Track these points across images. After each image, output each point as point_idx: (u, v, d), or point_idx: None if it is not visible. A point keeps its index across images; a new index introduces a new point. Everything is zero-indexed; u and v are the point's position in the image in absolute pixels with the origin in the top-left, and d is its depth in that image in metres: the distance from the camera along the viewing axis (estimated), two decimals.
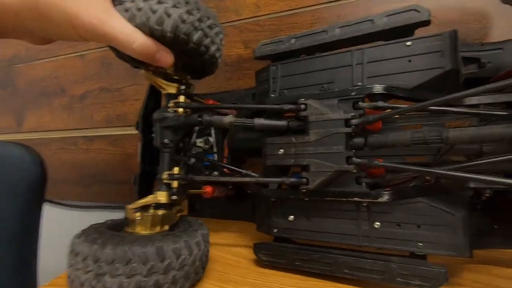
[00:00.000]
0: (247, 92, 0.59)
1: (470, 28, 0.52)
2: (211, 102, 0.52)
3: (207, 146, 0.54)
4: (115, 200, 0.84)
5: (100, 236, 0.34)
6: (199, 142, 0.55)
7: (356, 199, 0.37)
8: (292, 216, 0.42)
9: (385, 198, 0.36)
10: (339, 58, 0.41)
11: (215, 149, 0.54)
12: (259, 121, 0.42)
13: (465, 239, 0.33)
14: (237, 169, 0.47)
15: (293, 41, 0.45)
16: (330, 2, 0.60)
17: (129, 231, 0.39)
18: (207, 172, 0.54)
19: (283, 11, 0.63)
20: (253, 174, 0.45)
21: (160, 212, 0.41)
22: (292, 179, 0.39)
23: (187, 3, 0.40)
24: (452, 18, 0.52)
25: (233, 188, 0.54)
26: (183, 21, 0.40)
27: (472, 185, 0.35)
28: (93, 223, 0.41)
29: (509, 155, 0.31)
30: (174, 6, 0.39)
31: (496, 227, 0.39)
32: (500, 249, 0.39)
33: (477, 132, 0.29)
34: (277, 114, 0.44)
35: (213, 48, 0.45)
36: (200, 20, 0.42)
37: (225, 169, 0.54)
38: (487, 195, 0.36)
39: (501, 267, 0.39)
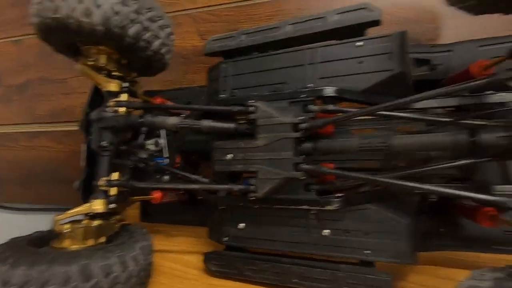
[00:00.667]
0: (203, 89, 0.56)
1: (425, 28, 0.51)
2: (159, 100, 0.48)
3: (157, 148, 0.50)
4: (66, 201, 0.78)
5: (13, 253, 0.30)
6: (149, 144, 0.51)
7: (305, 206, 0.36)
8: (242, 224, 0.40)
9: (333, 205, 0.34)
10: (292, 57, 0.39)
11: (165, 152, 0.50)
12: (207, 123, 0.39)
13: (409, 246, 0.33)
14: (186, 174, 0.44)
15: (243, 37, 0.42)
16: None
17: (55, 246, 0.35)
18: (158, 176, 0.50)
19: (240, 1, 0.59)
20: (202, 179, 0.42)
21: (95, 222, 0.37)
22: (240, 187, 0.37)
23: None
24: (408, 17, 0.52)
25: (185, 193, 0.51)
26: (116, 13, 0.35)
27: (418, 190, 0.35)
28: (17, 236, 0.37)
29: (452, 162, 0.30)
30: None
31: (442, 230, 0.39)
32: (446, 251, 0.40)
33: (421, 140, 0.29)
34: (228, 116, 0.41)
35: (156, 43, 0.41)
36: (137, 11, 0.37)
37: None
38: (433, 199, 0.36)
39: (446, 268, 0.40)
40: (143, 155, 0.52)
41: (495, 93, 0.32)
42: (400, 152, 0.30)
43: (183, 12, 0.64)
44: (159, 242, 0.52)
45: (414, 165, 0.36)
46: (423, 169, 0.31)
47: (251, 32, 0.41)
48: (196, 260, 0.45)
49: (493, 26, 0.49)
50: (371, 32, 0.36)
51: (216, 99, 0.42)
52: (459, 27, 0.50)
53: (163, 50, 0.43)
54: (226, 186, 0.38)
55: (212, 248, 0.43)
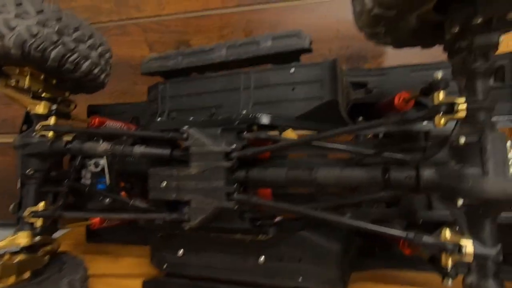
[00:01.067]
0: None
1: (370, 46, 0.52)
2: (96, 121, 0.46)
3: (97, 170, 0.48)
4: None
5: None
6: (90, 164, 0.48)
7: (239, 235, 0.35)
8: (181, 251, 0.40)
9: (267, 234, 0.34)
10: (227, 80, 0.38)
11: (107, 174, 0.48)
12: (139, 150, 0.38)
13: (339, 273, 0.34)
14: (124, 198, 0.42)
15: (180, 58, 0.40)
16: (239, 6, 0.56)
17: None
18: (101, 198, 0.48)
19: (188, 12, 0.58)
20: (141, 205, 0.41)
21: (18, 258, 0.35)
22: (174, 216, 0.36)
23: (39, 12, 0.33)
24: (353, 34, 0.52)
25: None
26: (33, 35, 0.33)
27: (349, 215, 0.36)
28: None
29: (376, 193, 0.31)
30: (19, 16, 0.32)
31: (377, 249, 0.40)
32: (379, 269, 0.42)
33: (341, 174, 0.29)
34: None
35: (86, 65, 0.39)
36: (60, 32, 0.35)
37: (123, 193, 0.49)
38: None
39: (380, 285, 0.42)
40: (87, 175, 0.50)
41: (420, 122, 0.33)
42: (324, 185, 0.30)
43: (131, 21, 0.62)
44: (103, 265, 0.51)
45: (346, 192, 0.36)
46: (346, 202, 0.32)
47: (188, 54, 0.40)
48: (138, 285, 0.44)
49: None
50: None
51: (155, 122, 0.41)
52: None
53: (96, 71, 0.41)
54: (159, 215, 0.37)
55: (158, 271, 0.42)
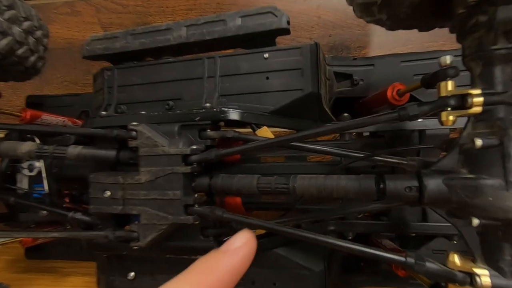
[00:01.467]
0: None
1: (353, 34, 0.47)
2: (28, 115, 0.37)
3: (32, 174, 0.40)
4: None
5: None
6: (23, 168, 0.40)
7: (200, 256, 0.29)
8: (132, 273, 0.33)
9: None
10: (189, 67, 0.31)
11: (44, 179, 0.39)
12: (75, 151, 0.30)
13: None
14: (59, 210, 0.35)
15: (130, 38, 0.33)
16: None
17: None
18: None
19: None
20: (81, 218, 0.33)
21: None
22: (120, 234, 0.29)
23: None
24: (335, 21, 0.47)
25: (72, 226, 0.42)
26: None
27: (332, 227, 0.31)
28: None
29: (364, 205, 0.26)
30: None
31: (362, 264, 0.36)
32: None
33: (324, 184, 0.23)
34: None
35: (4, 42, 0.31)
36: None
37: (67, 201, 0.41)
38: (350, 237, 0.31)
39: None
40: (23, 180, 0.41)
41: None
42: (304, 195, 0.25)
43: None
44: (45, 286, 0.43)
45: (328, 201, 0.31)
46: (333, 213, 0.26)
47: (139, 33, 0.33)
48: None
49: (418, 37, 0.47)
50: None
51: (99, 116, 0.33)
52: (384, 35, 0.46)
53: (20, 52, 0.32)
54: (99, 234, 0.29)
55: None
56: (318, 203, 0.31)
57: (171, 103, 0.31)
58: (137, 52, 0.33)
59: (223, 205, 0.32)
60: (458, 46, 0.23)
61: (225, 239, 0.30)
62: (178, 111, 0.30)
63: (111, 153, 0.30)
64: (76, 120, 0.43)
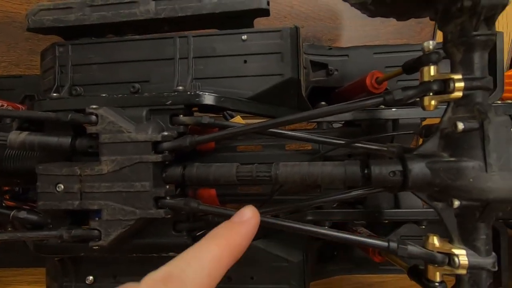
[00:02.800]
0: None
1: (325, 26, 0.48)
2: None
3: None
4: None
5: None
6: None
7: (172, 254, 0.26)
8: (91, 277, 0.29)
9: None
10: (158, 46, 0.29)
11: None
12: (19, 137, 0.26)
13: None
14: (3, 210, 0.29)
15: (88, 10, 0.29)
16: None
17: None
18: None
19: None
20: (26, 217, 0.29)
21: None
22: (77, 232, 0.25)
23: None
24: (307, 12, 0.47)
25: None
26: None
27: (310, 217, 0.30)
28: None
29: (344, 192, 0.25)
30: None
31: (336, 253, 0.36)
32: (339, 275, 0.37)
33: (309, 171, 0.22)
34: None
35: None
36: None
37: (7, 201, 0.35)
38: (327, 226, 0.31)
39: None
40: None
41: (388, 109, 0.29)
42: (286, 183, 0.23)
43: None
44: None
45: (307, 190, 0.30)
46: (313, 201, 0.26)
47: (99, 5, 0.29)
48: None
49: (385, 33, 0.49)
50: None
51: (49, 98, 0.29)
52: (354, 30, 0.47)
53: None
54: (51, 233, 0.25)
55: None
56: (294, 193, 0.31)
57: (137, 85, 0.28)
58: (96, 27, 0.29)
59: (196, 197, 0.29)
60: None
61: (199, 233, 0.28)
62: (146, 94, 0.27)
63: (65, 140, 0.26)
64: (19, 105, 0.37)
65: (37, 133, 0.27)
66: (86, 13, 0.29)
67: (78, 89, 0.29)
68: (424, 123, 0.29)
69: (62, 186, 0.26)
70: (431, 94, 0.20)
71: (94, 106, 0.26)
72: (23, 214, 0.28)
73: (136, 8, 0.28)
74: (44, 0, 0.43)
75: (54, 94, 0.28)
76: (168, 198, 0.25)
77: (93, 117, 0.25)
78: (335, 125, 0.35)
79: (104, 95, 0.28)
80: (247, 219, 0.18)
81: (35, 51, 0.48)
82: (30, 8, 0.29)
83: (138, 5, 0.28)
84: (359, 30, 0.48)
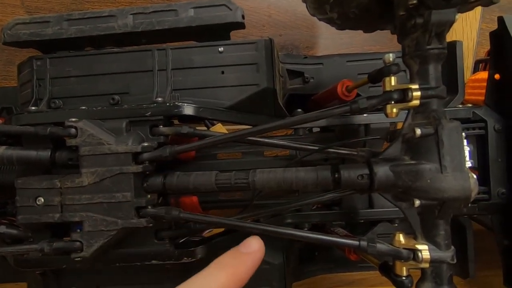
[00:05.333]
0: None
1: (302, 35, 0.49)
2: None
3: None
4: None
5: None
6: None
7: (155, 262, 0.27)
8: None
9: (193, 257, 0.27)
10: (137, 58, 0.29)
11: None
12: None
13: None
14: None
15: (65, 24, 0.29)
16: None
17: None
18: None
19: None
20: (6, 230, 0.28)
21: None
22: (58, 245, 0.26)
23: None
24: (285, 21, 0.49)
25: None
26: None
27: (289, 220, 0.31)
28: None
29: (319, 195, 0.27)
30: None
31: (316, 253, 0.37)
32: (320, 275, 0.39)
33: (284, 176, 0.24)
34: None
35: None
36: None
37: None
38: (306, 228, 0.32)
39: None
40: None
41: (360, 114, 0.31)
42: (263, 189, 0.25)
43: None
44: None
45: (285, 194, 0.31)
46: (290, 205, 0.27)
47: (77, 19, 0.29)
48: None
49: (360, 40, 0.51)
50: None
51: (27, 112, 0.29)
52: (330, 38, 0.49)
53: None
54: (32, 247, 0.25)
55: None
56: (275, 197, 0.32)
57: (116, 97, 0.29)
58: (74, 40, 0.30)
59: (178, 205, 0.30)
60: (394, 49, 0.25)
61: (181, 240, 0.29)
62: (125, 106, 0.28)
63: (44, 153, 0.26)
64: None
65: (15, 147, 0.27)
66: (63, 27, 0.29)
67: (57, 102, 0.29)
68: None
69: (42, 199, 0.26)
70: (392, 102, 0.22)
71: (73, 119, 0.26)
72: (2, 229, 0.28)
73: (114, 22, 0.29)
74: (21, 14, 0.43)
75: (32, 108, 0.28)
76: (149, 207, 0.26)
77: (73, 130, 0.26)
78: (315, 129, 0.37)
79: (83, 107, 0.28)
80: (253, 251, 0.19)
81: (12, 62, 0.47)
82: (7, 23, 0.29)
83: (116, 19, 0.29)
84: (335, 38, 0.50)
